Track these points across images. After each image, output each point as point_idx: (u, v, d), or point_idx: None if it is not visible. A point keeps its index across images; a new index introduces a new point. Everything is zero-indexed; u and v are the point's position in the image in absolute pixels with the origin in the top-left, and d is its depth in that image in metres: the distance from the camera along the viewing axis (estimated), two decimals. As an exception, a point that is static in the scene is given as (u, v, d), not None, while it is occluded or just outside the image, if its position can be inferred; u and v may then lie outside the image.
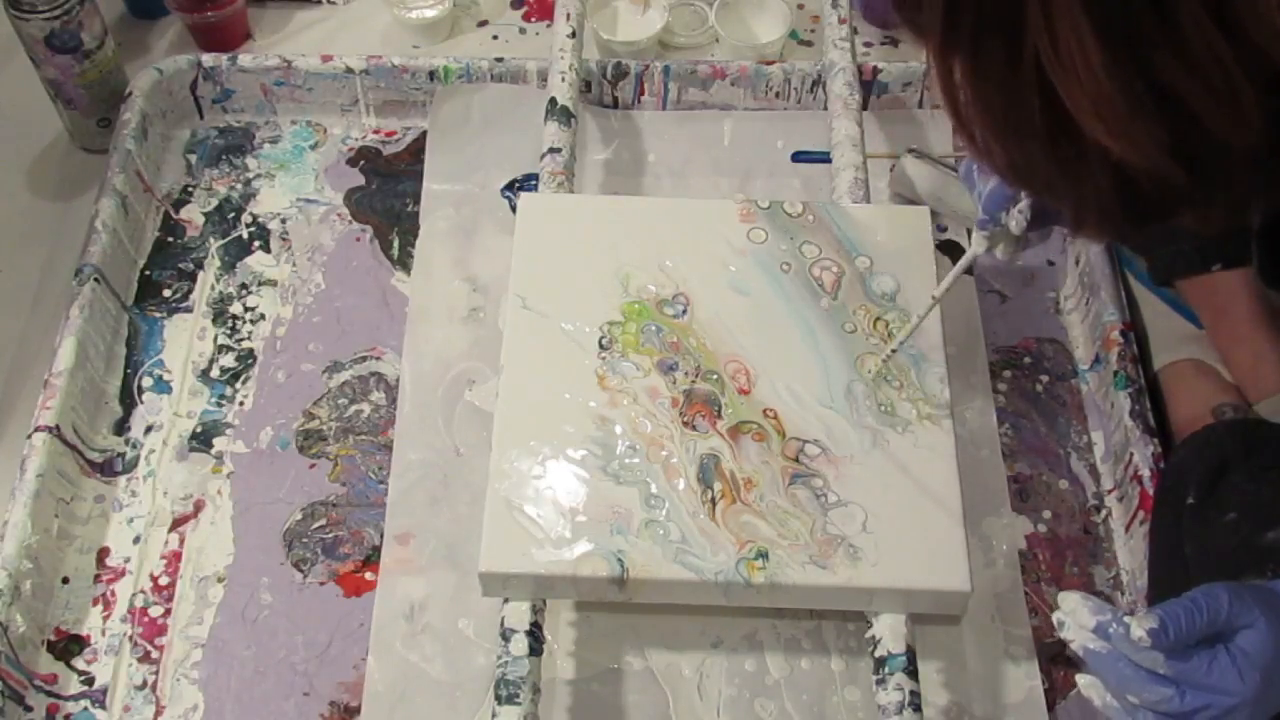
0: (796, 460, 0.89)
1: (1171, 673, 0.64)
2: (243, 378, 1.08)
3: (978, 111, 0.51)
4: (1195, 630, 0.63)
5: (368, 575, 0.98)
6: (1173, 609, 0.64)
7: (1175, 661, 0.64)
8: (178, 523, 1.00)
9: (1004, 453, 1.03)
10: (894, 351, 0.91)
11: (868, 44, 1.31)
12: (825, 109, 1.16)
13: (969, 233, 1.14)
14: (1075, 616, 0.66)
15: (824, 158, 1.15)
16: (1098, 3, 0.45)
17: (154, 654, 0.95)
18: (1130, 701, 0.65)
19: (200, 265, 1.15)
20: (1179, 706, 0.64)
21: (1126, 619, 0.64)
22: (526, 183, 1.18)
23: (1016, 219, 0.75)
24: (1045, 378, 1.09)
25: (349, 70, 1.21)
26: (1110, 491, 1.02)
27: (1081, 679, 0.68)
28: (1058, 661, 0.94)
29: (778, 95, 1.23)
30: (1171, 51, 0.45)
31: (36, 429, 0.98)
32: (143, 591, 0.97)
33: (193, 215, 1.18)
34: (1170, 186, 0.50)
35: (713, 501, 0.87)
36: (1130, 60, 0.46)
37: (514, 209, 1.14)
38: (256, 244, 1.16)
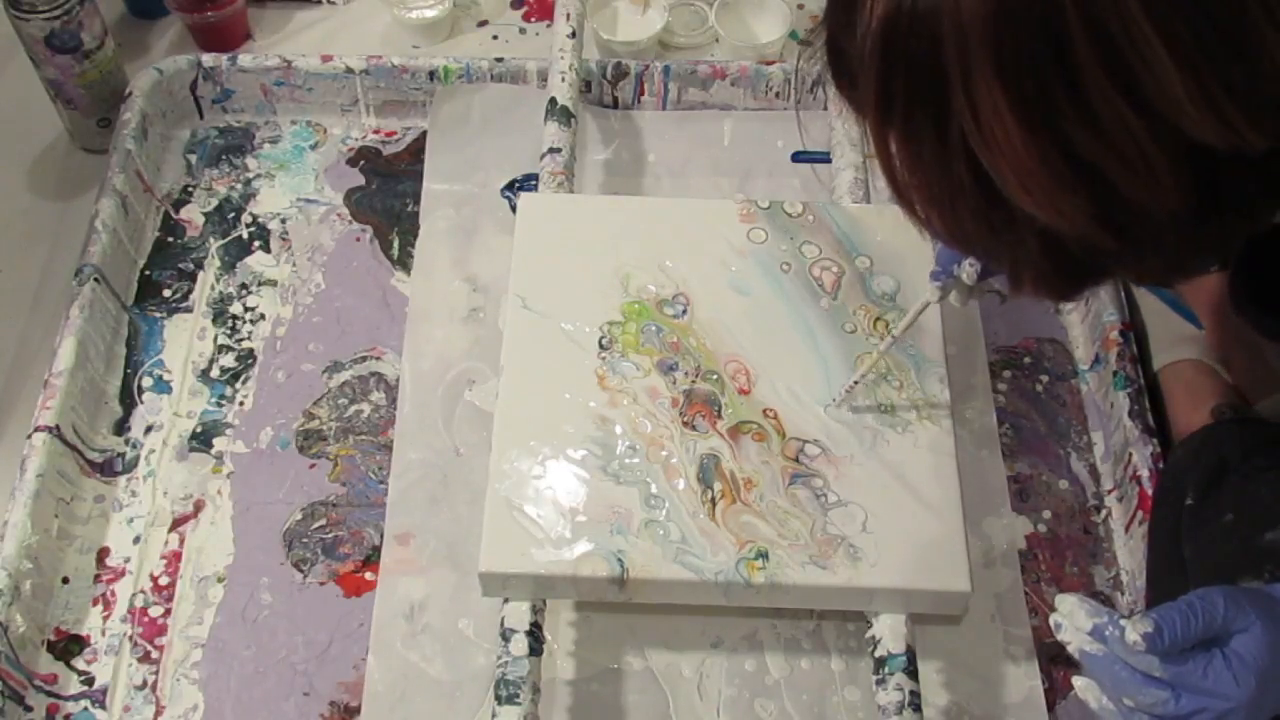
0: (796, 460, 0.89)
1: (1167, 676, 0.64)
2: (243, 378, 1.08)
3: (914, 183, 0.53)
4: (1191, 634, 0.64)
5: (368, 575, 0.98)
6: (1168, 613, 0.64)
7: (1171, 665, 0.64)
8: (178, 523, 1.00)
9: (1004, 453, 1.03)
10: (855, 384, 0.91)
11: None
12: (825, 109, 1.17)
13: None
14: (1072, 619, 0.66)
15: (824, 158, 1.15)
16: (1013, 80, 0.46)
17: (154, 654, 0.95)
18: (1126, 704, 0.66)
19: (200, 265, 1.15)
20: (1174, 710, 0.64)
21: (1122, 622, 0.64)
22: (526, 183, 1.18)
23: (968, 271, 0.80)
24: (1045, 378, 1.09)
25: (349, 70, 1.21)
26: (1110, 491, 1.02)
27: (1078, 681, 0.68)
28: (1058, 661, 0.94)
29: (778, 95, 1.23)
30: (1084, 125, 0.47)
31: (36, 429, 0.98)
32: (143, 591, 0.97)
33: (193, 215, 1.18)
34: (1099, 250, 0.51)
35: (713, 501, 0.87)
36: (1047, 134, 0.47)
37: (514, 209, 1.14)
38: (256, 244, 1.16)
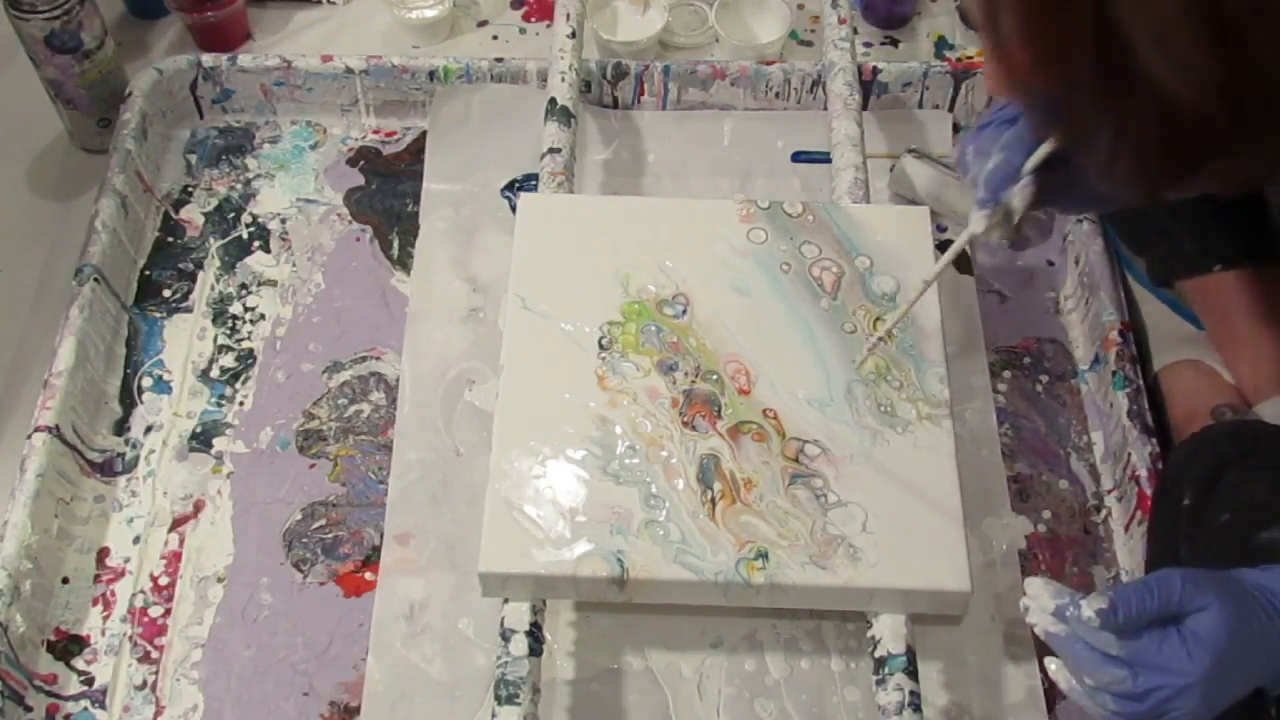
0: (796, 460, 0.89)
1: (1124, 654, 0.65)
2: (243, 378, 1.08)
3: (1027, 40, 0.50)
4: (1146, 611, 0.65)
5: (368, 575, 0.98)
6: (1124, 591, 0.65)
7: (1126, 642, 0.65)
8: (178, 523, 1.00)
9: (1004, 453, 1.03)
10: (883, 337, 0.89)
11: (868, 44, 1.31)
12: (825, 109, 1.17)
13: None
14: (1038, 600, 0.67)
15: (824, 158, 1.15)
16: None
17: (154, 654, 0.95)
18: (1088, 683, 0.67)
19: (200, 265, 1.15)
20: (1132, 688, 0.65)
21: (1081, 600, 0.66)
22: (526, 183, 1.18)
23: (1020, 194, 0.74)
24: (1045, 378, 1.09)
25: (349, 70, 1.21)
26: (1110, 491, 1.02)
27: (1050, 663, 0.70)
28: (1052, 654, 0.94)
29: (778, 95, 1.23)
30: None
31: (36, 429, 0.98)
32: (143, 591, 0.97)
33: (193, 215, 1.18)
34: (1211, 130, 0.49)
35: (712, 501, 0.87)
36: None
37: (514, 209, 1.14)
38: (256, 244, 1.16)
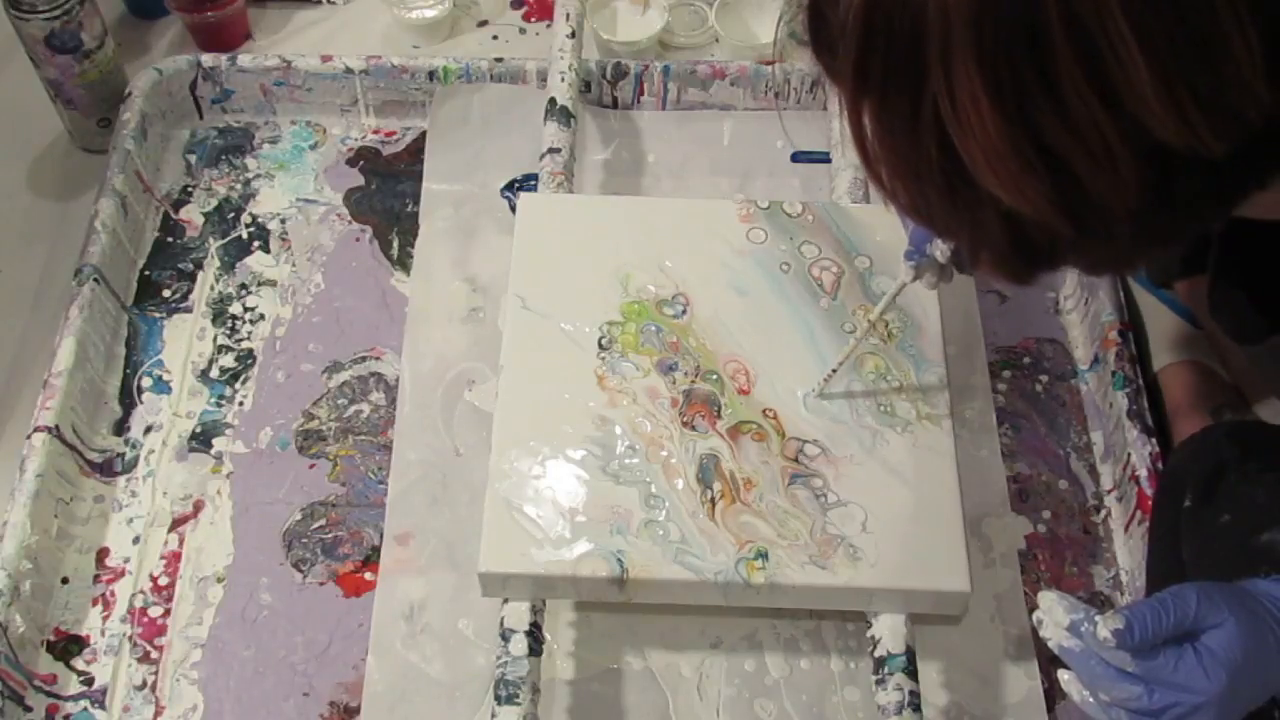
0: (796, 460, 0.89)
1: (1140, 671, 0.65)
2: (242, 378, 1.08)
3: (883, 155, 0.54)
4: (1162, 630, 0.65)
5: (367, 575, 0.98)
6: (1139, 610, 0.65)
7: (1142, 660, 0.65)
8: (177, 523, 1.00)
9: (1004, 453, 1.03)
10: (833, 372, 0.91)
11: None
12: (825, 109, 1.17)
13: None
14: (1051, 615, 0.67)
15: (824, 158, 1.15)
16: (990, 67, 0.48)
17: (154, 654, 0.95)
18: (1103, 699, 0.67)
19: (200, 265, 1.15)
20: (1147, 704, 0.65)
21: (1096, 618, 0.66)
22: (526, 183, 1.18)
23: (941, 249, 0.81)
24: (1045, 378, 1.09)
25: (349, 70, 1.21)
26: (1110, 491, 1.02)
27: (1062, 674, 0.70)
28: (1058, 661, 0.93)
29: (778, 95, 1.23)
30: (1055, 116, 0.48)
31: (36, 429, 0.98)
32: (142, 592, 0.97)
33: (192, 215, 1.18)
34: (1058, 237, 0.53)
35: (712, 501, 0.87)
36: (1020, 122, 0.49)
37: (514, 209, 1.14)
38: (256, 244, 1.16)
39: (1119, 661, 0.65)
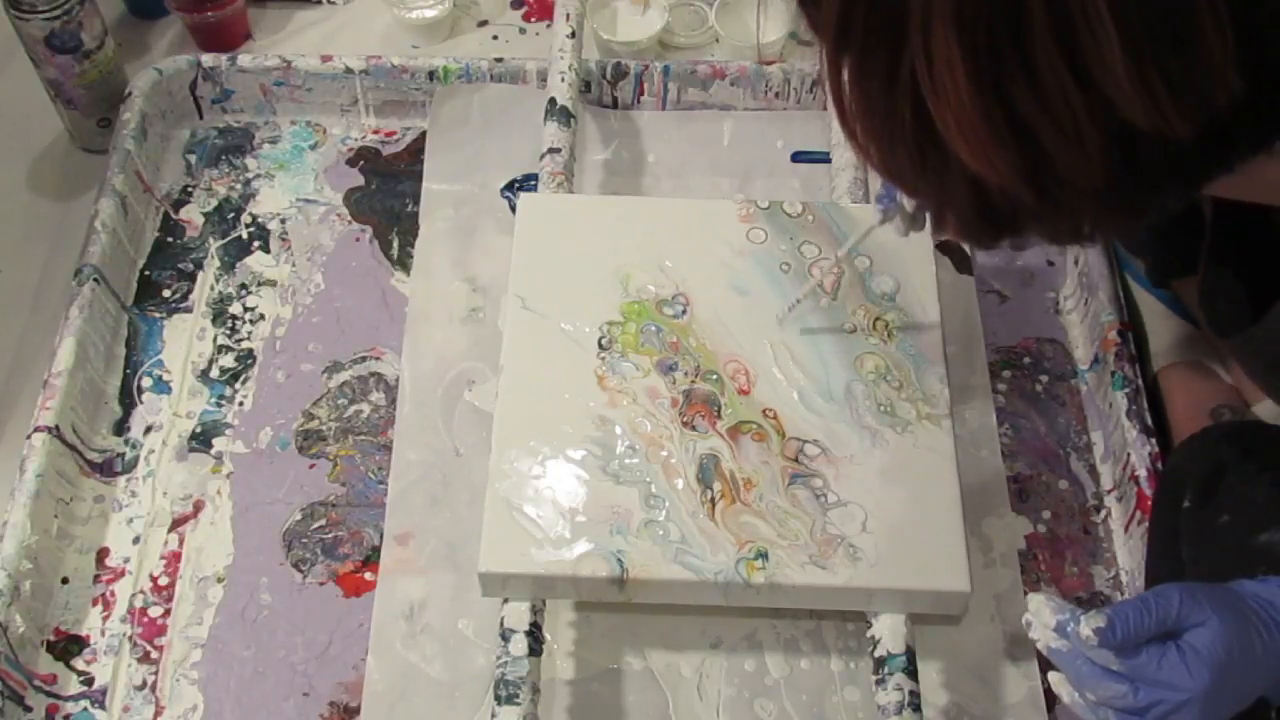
0: (796, 460, 0.89)
1: (1124, 669, 0.66)
2: (242, 378, 1.08)
3: (858, 112, 0.55)
4: (1145, 629, 0.66)
5: (367, 575, 0.98)
6: (1122, 608, 0.66)
7: (1127, 658, 0.66)
8: (177, 523, 1.00)
9: (1004, 453, 1.03)
10: (798, 301, 0.94)
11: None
12: (825, 109, 1.17)
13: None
14: (1039, 616, 0.68)
15: (824, 158, 1.15)
16: (969, 35, 0.48)
17: (154, 654, 0.95)
18: (1090, 698, 0.68)
19: (200, 265, 1.15)
20: (1133, 703, 0.66)
21: (1081, 617, 0.67)
22: (526, 183, 1.18)
23: (908, 198, 0.83)
24: (1045, 378, 1.09)
25: (349, 70, 1.21)
26: (1110, 491, 1.02)
27: (1052, 676, 0.71)
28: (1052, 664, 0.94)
29: (777, 95, 1.23)
30: (1029, 89, 0.49)
31: (36, 429, 0.98)
32: (142, 592, 0.97)
33: (192, 215, 1.18)
34: (1022, 206, 0.53)
35: (712, 501, 0.87)
36: (993, 92, 0.49)
37: (514, 209, 1.14)
38: (256, 244, 1.16)
39: (1104, 660, 0.66)
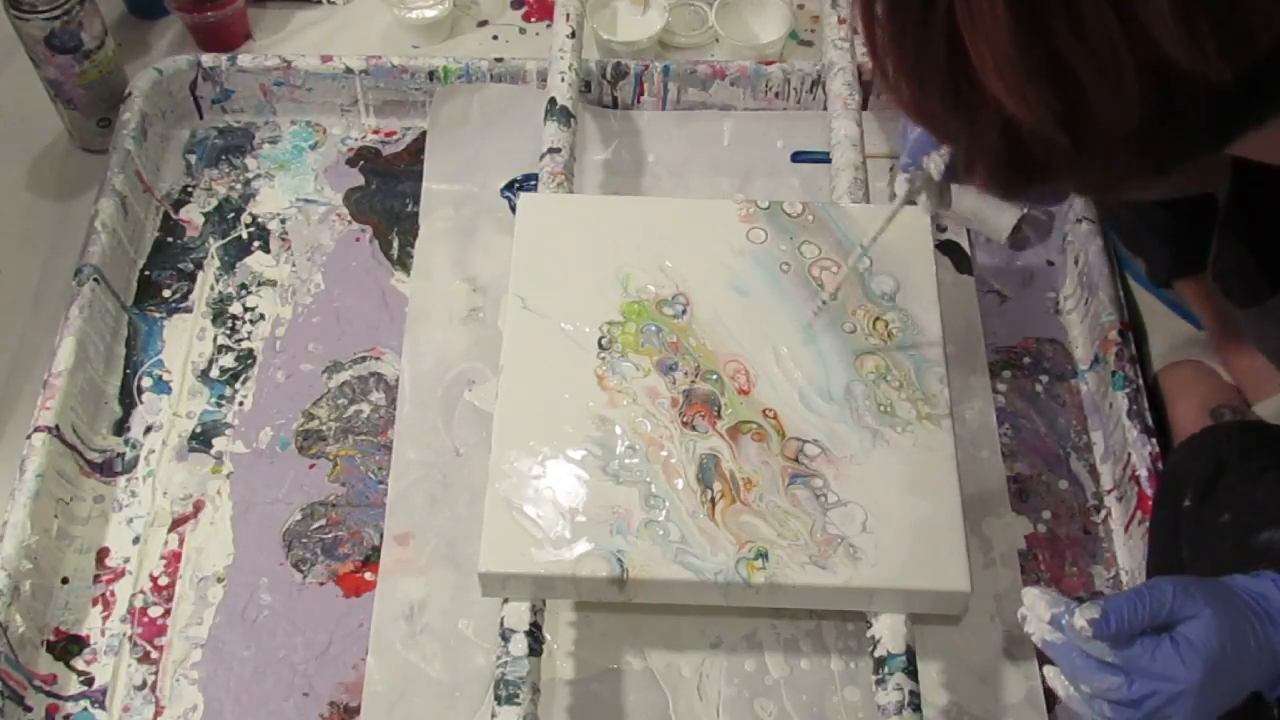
0: (796, 460, 0.89)
1: (1118, 661, 0.66)
2: (242, 378, 1.08)
3: (892, 49, 0.54)
4: (1138, 621, 0.66)
5: (367, 575, 0.98)
6: (1115, 601, 0.66)
7: (1121, 650, 0.66)
8: (177, 523, 1.00)
9: (1004, 453, 1.03)
10: (833, 295, 0.93)
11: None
12: (825, 109, 1.16)
13: (969, 233, 1.15)
14: (1034, 610, 0.69)
15: (824, 158, 1.15)
16: None
17: (154, 654, 0.95)
18: (1084, 690, 0.68)
19: (200, 265, 1.15)
20: (1127, 694, 0.66)
21: (1075, 609, 0.67)
22: (526, 183, 1.18)
23: (935, 163, 0.81)
24: (1045, 378, 1.09)
25: (349, 70, 1.21)
26: (1110, 491, 1.02)
27: (1048, 670, 0.71)
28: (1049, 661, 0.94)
29: (777, 95, 1.23)
30: (1069, 23, 0.48)
31: (36, 429, 0.98)
32: (142, 592, 0.97)
33: (192, 215, 1.18)
34: (1054, 150, 0.53)
35: (712, 501, 0.87)
36: (1033, 26, 0.49)
37: (514, 209, 1.14)
38: (256, 244, 1.16)
39: (1098, 652, 0.67)
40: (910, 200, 0.85)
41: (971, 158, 0.57)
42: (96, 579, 0.98)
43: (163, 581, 0.98)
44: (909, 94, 0.55)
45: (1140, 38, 0.48)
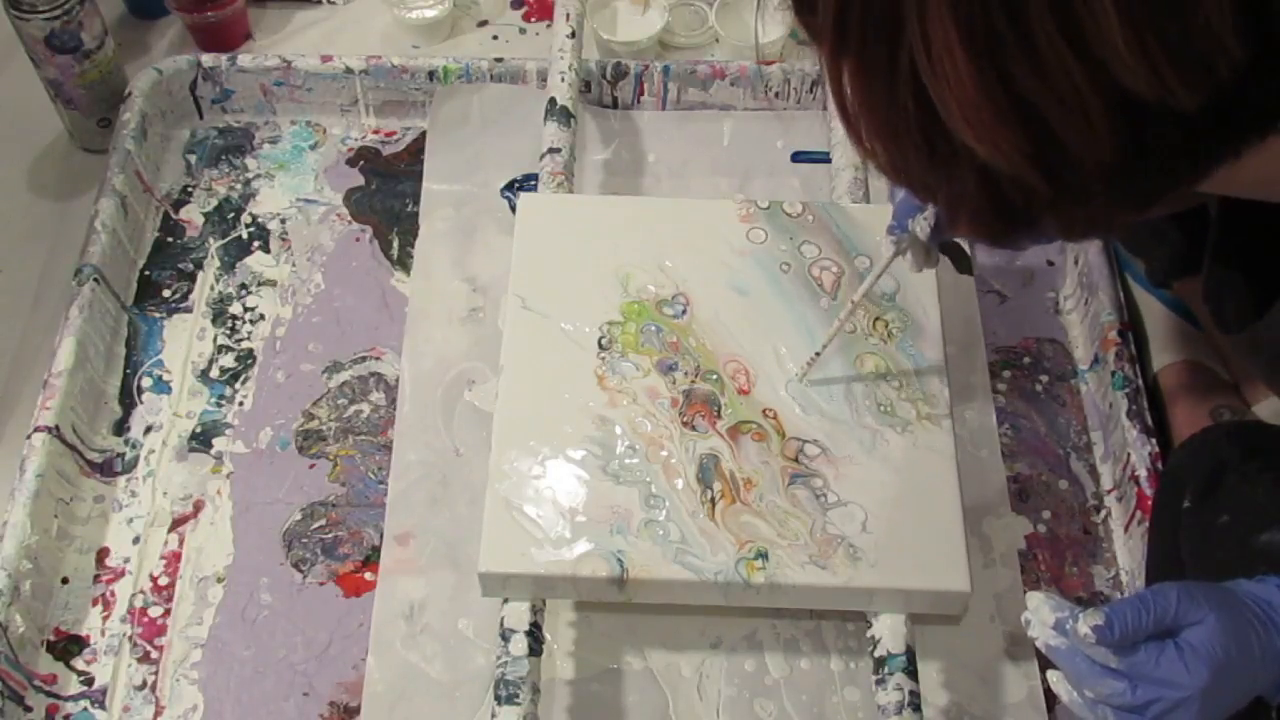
0: (796, 460, 0.89)
1: (1122, 666, 0.66)
2: (242, 378, 1.08)
3: (862, 112, 0.54)
4: (1142, 626, 0.66)
5: (367, 575, 0.98)
6: (1120, 606, 0.66)
7: (1125, 655, 0.66)
8: (177, 523, 1.00)
9: (1004, 453, 1.03)
10: (817, 356, 0.92)
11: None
12: (825, 109, 1.17)
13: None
14: (1038, 614, 0.69)
15: (824, 158, 1.15)
16: (964, 17, 0.48)
17: (154, 654, 0.95)
18: (1088, 695, 0.68)
19: (200, 265, 1.15)
20: (1131, 700, 0.66)
21: (1079, 614, 0.67)
22: (526, 183, 1.18)
23: (921, 225, 0.83)
24: (1045, 378, 1.09)
25: (349, 70, 1.21)
26: (1110, 491, 1.02)
27: (1051, 675, 0.71)
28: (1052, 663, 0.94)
29: (777, 95, 1.23)
30: (1028, 65, 0.48)
31: (36, 429, 0.98)
32: (142, 592, 0.97)
33: (192, 215, 1.18)
34: (1033, 194, 0.53)
35: (712, 501, 0.87)
36: (993, 70, 0.49)
37: (514, 209, 1.14)
38: (256, 244, 1.16)
39: (1102, 658, 0.67)
40: (901, 253, 0.87)
41: (953, 210, 0.57)
42: (96, 579, 0.98)
43: (163, 581, 0.98)
44: (885, 155, 0.56)
45: (1099, 73, 0.48)
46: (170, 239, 1.17)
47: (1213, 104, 0.49)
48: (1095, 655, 0.67)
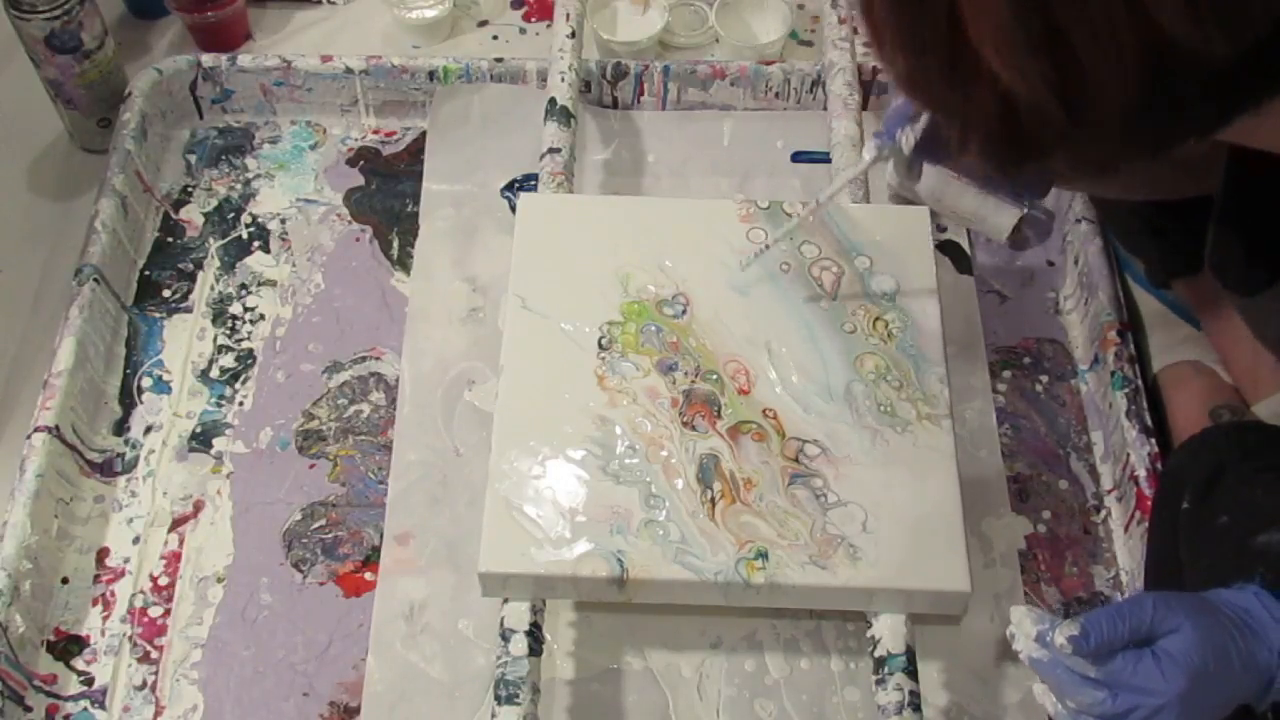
0: (796, 460, 0.89)
1: (1101, 676, 0.67)
2: (242, 378, 1.08)
3: (889, 22, 0.54)
4: (1118, 636, 0.67)
5: (367, 575, 0.98)
6: (1095, 616, 0.67)
7: (1102, 664, 0.67)
8: (177, 523, 1.00)
9: (1004, 453, 1.03)
10: (767, 247, 0.95)
11: (868, 44, 1.31)
12: (825, 109, 1.17)
13: (969, 233, 1.15)
14: (1021, 628, 0.70)
15: (824, 158, 1.15)
16: None
17: (154, 654, 0.95)
18: (1070, 706, 0.69)
19: (200, 265, 1.15)
20: (1111, 708, 0.67)
21: (1059, 625, 0.68)
22: (526, 183, 1.18)
23: (907, 137, 0.83)
24: (1045, 378, 1.09)
25: (349, 70, 1.21)
26: (1110, 491, 1.02)
27: (1036, 687, 0.72)
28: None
29: (777, 95, 1.23)
30: None
31: (36, 429, 0.98)
32: (142, 592, 0.97)
33: (192, 215, 1.18)
34: (1049, 124, 0.52)
35: (712, 501, 0.87)
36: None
37: (514, 209, 1.14)
38: (256, 244, 1.16)
39: (1081, 668, 0.68)
40: (881, 159, 0.87)
41: (966, 132, 0.56)
42: (96, 579, 0.98)
43: (163, 581, 0.98)
44: (905, 67, 0.55)
45: (1141, 12, 0.48)
46: (170, 239, 1.17)
47: (1243, 56, 0.49)
48: (1075, 665, 0.68)
